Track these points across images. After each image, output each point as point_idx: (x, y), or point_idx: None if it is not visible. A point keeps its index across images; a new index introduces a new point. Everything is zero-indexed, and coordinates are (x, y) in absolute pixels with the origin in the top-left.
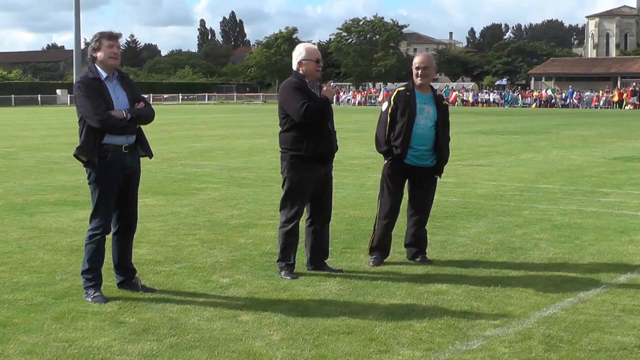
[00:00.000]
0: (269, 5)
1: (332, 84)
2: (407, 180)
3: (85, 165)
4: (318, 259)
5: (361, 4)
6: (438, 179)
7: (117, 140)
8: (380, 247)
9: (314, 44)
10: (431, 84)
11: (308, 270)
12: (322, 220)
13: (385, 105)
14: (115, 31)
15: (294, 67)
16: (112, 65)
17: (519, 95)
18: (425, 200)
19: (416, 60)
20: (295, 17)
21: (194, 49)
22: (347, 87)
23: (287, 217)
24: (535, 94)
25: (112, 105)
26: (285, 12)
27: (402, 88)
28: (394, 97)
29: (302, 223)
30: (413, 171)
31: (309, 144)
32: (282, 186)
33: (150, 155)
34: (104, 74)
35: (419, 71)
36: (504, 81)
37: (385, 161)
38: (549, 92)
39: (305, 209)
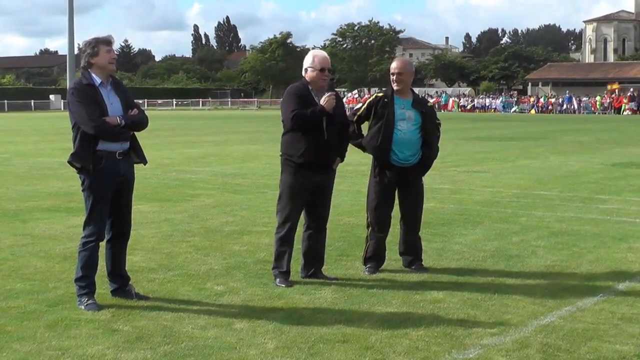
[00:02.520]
0: (262, 10)
1: (333, 94)
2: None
3: (79, 172)
4: (313, 267)
5: (355, 9)
6: (424, 185)
7: (111, 147)
8: (374, 257)
9: (308, 49)
10: (426, 88)
11: (302, 278)
12: (316, 228)
13: (358, 105)
14: (109, 36)
15: (302, 72)
16: (111, 70)
17: (514, 101)
18: (415, 206)
19: (392, 66)
20: (289, 22)
21: (188, 53)
22: (343, 92)
23: (279, 222)
24: (531, 99)
25: (106, 112)
26: (278, 17)
27: (381, 94)
28: (370, 102)
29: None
30: (401, 173)
31: (301, 151)
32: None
33: (145, 162)
34: (98, 80)
35: (394, 77)
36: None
37: (373, 175)
38: (552, 99)
39: (303, 216)
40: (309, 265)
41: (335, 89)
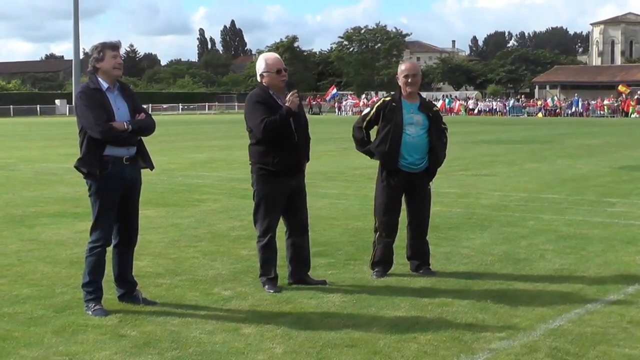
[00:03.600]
0: (267, 14)
1: (295, 93)
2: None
3: (86, 177)
4: (300, 272)
5: (360, 12)
6: (432, 189)
7: (118, 152)
8: (382, 261)
9: (315, 52)
10: (434, 92)
11: (290, 285)
12: (299, 232)
13: (366, 110)
14: (117, 41)
15: (258, 79)
16: (116, 75)
17: (523, 104)
18: (422, 211)
19: (404, 68)
20: (295, 25)
21: (193, 58)
22: (347, 95)
23: (261, 232)
24: (539, 102)
25: (113, 117)
26: (284, 21)
27: (389, 98)
28: (379, 106)
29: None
30: (408, 178)
31: (275, 158)
32: (253, 199)
33: (152, 167)
34: (105, 85)
35: (409, 79)
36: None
37: (381, 180)
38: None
39: (283, 223)
40: (296, 271)
41: (340, 92)
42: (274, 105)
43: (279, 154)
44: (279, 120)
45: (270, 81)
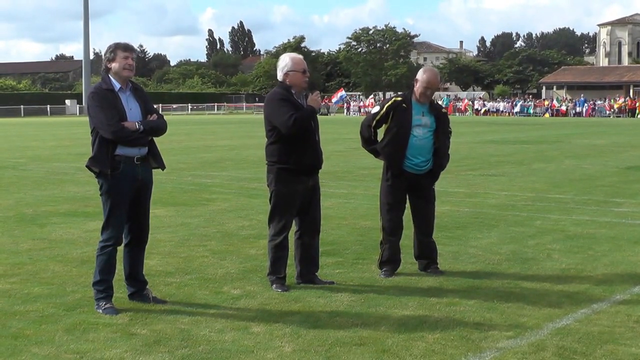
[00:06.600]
0: (274, 15)
1: (318, 93)
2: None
3: (97, 176)
4: (309, 272)
5: (367, 12)
6: (436, 188)
7: (129, 152)
8: (390, 261)
9: (323, 53)
10: (440, 92)
11: (298, 284)
12: (311, 232)
13: (376, 109)
14: (130, 43)
15: (280, 77)
16: (126, 76)
17: (531, 104)
18: (427, 210)
19: (426, 79)
20: (302, 26)
21: (202, 58)
22: (357, 96)
23: (276, 231)
24: (546, 103)
25: (125, 117)
26: (291, 22)
27: (399, 99)
28: (389, 106)
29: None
30: (412, 180)
31: (296, 156)
32: (269, 199)
33: (163, 167)
34: (117, 85)
35: (428, 91)
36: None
37: (385, 179)
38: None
39: (294, 221)
40: (305, 271)
41: (349, 93)
42: (296, 104)
43: (300, 153)
44: (306, 117)
45: (294, 80)
